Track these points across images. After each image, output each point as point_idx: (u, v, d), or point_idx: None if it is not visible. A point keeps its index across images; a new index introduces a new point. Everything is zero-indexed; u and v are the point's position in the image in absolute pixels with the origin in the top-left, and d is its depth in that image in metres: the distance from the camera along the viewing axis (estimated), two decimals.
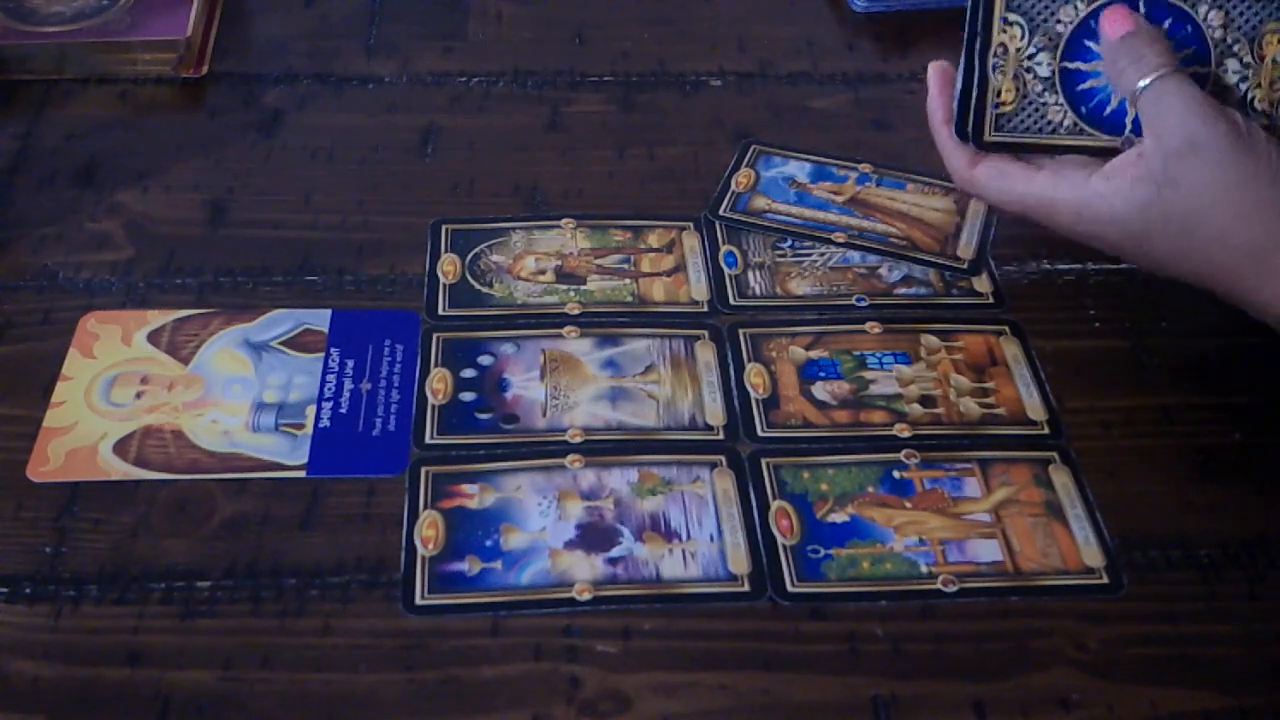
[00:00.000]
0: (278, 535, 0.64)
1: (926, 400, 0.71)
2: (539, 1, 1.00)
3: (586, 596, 0.62)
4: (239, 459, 0.67)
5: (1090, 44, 0.65)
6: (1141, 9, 0.65)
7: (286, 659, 0.60)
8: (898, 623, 0.62)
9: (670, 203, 0.83)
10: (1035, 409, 0.71)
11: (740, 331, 0.75)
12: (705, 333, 0.75)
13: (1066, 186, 0.66)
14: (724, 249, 0.80)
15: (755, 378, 0.72)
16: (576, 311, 0.76)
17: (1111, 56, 0.65)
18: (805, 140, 0.88)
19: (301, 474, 0.67)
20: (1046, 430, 0.70)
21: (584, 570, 0.63)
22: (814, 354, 0.74)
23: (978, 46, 0.65)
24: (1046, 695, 0.59)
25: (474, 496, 0.66)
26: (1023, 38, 0.64)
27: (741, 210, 0.82)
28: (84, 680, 0.59)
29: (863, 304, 0.77)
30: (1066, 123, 0.66)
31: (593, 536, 0.65)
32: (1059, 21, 0.65)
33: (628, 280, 0.78)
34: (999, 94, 0.65)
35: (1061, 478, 0.68)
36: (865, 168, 0.86)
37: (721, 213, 0.82)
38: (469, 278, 0.77)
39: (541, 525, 0.65)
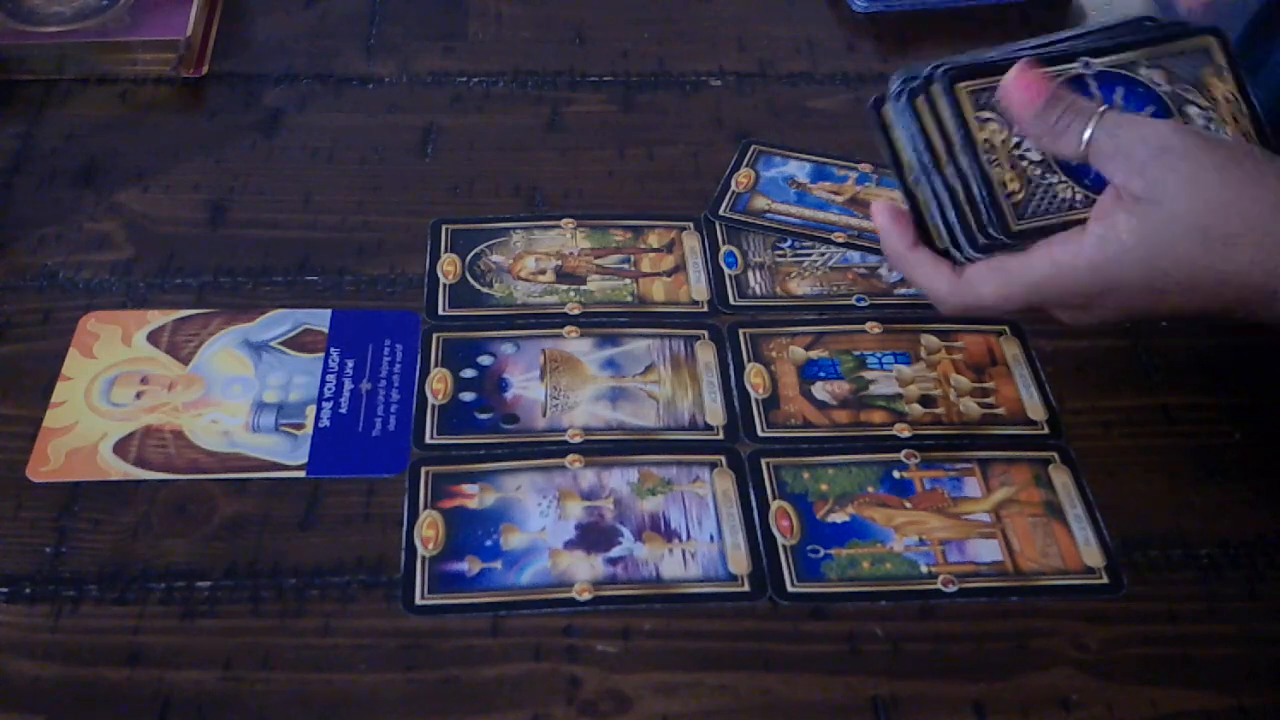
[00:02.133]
0: (278, 535, 0.64)
1: (926, 400, 0.71)
2: (539, 2, 1.00)
3: (586, 596, 0.62)
4: (239, 459, 0.67)
5: None
6: (1093, 87, 0.64)
7: (286, 659, 0.60)
8: (898, 623, 0.62)
9: (670, 203, 0.83)
10: (1035, 409, 0.71)
11: (740, 331, 0.75)
12: (705, 333, 0.75)
13: (1063, 250, 0.61)
14: (724, 249, 0.80)
15: (755, 378, 0.72)
16: (576, 311, 0.76)
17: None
18: (805, 140, 0.88)
19: (301, 474, 0.67)
20: (1046, 430, 0.70)
21: (584, 570, 0.63)
22: (814, 354, 0.74)
23: (960, 147, 0.63)
24: (1046, 695, 0.59)
25: (474, 496, 0.66)
26: (1002, 129, 0.64)
27: (741, 210, 0.82)
28: (84, 680, 0.59)
29: (863, 304, 0.77)
30: (1078, 198, 0.63)
31: (593, 536, 0.65)
32: None
33: (628, 280, 0.78)
34: (1005, 185, 0.63)
35: (1061, 478, 0.68)
36: (865, 168, 0.86)
37: (721, 213, 0.82)
38: (469, 278, 0.77)
39: (541, 525, 0.65)
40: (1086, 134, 0.61)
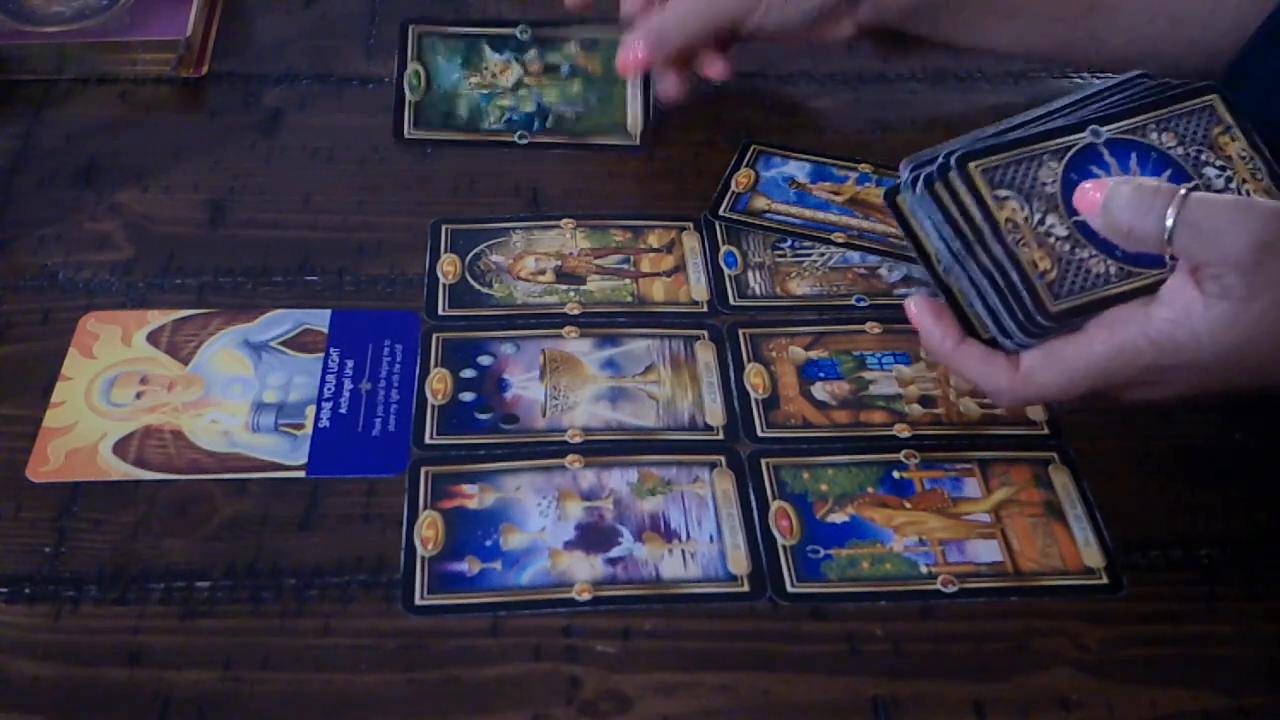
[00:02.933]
0: (278, 535, 0.64)
1: (926, 400, 0.71)
2: (539, 1, 1.00)
3: (586, 596, 0.62)
4: (239, 459, 0.67)
5: None
6: (1106, 156, 0.63)
7: (286, 659, 0.60)
8: (898, 623, 0.62)
9: (670, 203, 0.83)
10: (1035, 409, 0.71)
11: (740, 331, 0.75)
12: (705, 333, 0.75)
13: (1125, 329, 0.59)
14: (724, 249, 0.80)
15: (755, 378, 0.72)
16: (576, 311, 0.76)
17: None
18: (805, 140, 0.88)
19: (301, 474, 0.67)
20: (1046, 430, 0.70)
21: (584, 570, 0.63)
22: (814, 354, 0.74)
23: (987, 233, 0.61)
24: (1046, 695, 0.59)
25: (474, 496, 0.66)
26: (1023, 208, 0.62)
27: (741, 210, 0.82)
28: (84, 680, 0.59)
29: (863, 304, 0.77)
30: (1112, 271, 0.61)
31: (592, 536, 0.65)
32: (1044, 184, 0.62)
33: (627, 280, 0.78)
34: (1036, 265, 0.61)
35: (1061, 478, 0.68)
36: (865, 168, 0.86)
37: (721, 213, 0.82)
38: (469, 278, 0.77)
39: (541, 525, 0.65)
40: (1169, 221, 0.58)
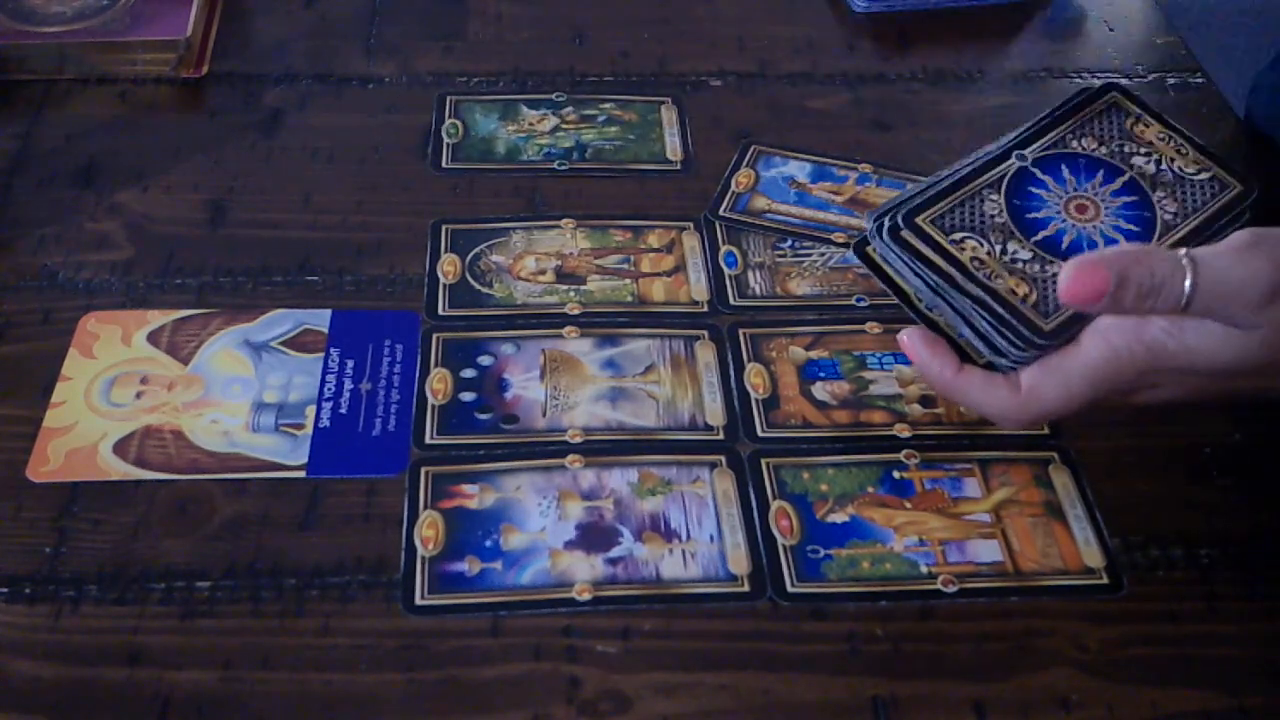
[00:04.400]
0: (278, 535, 0.64)
1: (926, 400, 0.71)
2: (539, 1, 1.00)
3: (586, 596, 0.62)
4: (239, 459, 0.67)
5: (1030, 215, 0.64)
6: (1039, 174, 0.65)
7: (286, 659, 0.60)
8: (898, 623, 0.62)
9: (670, 203, 0.83)
10: None
11: (740, 331, 0.75)
12: (705, 333, 0.75)
13: (1120, 334, 0.59)
14: (724, 249, 0.80)
15: (755, 378, 0.72)
16: (576, 311, 0.76)
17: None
18: (805, 140, 0.88)
19: (301, 474, 0.67)
20: (1046, 430, 0.70)
21: (584, 570, 0.63)
22: (814, 354, 0.74)
23: (959, 276, 0.62)
24: (1046, 695, 0.59)
25: (474, 496, 0.66)
26: (982, 244, 0.63)
27: (741, 210, 0.82)
28: (84, 680, 0.59)
29: (863, 304, 0.77)
30: None
31: (593, 536, 0.65)
32: (992, 216, 0.64)
33: (628, 280, 0.78)
34: (1015, 291, 0.61)
35: (1061, 478, 0.68)
36: (865, 168, 0.86)
37: (721, 213, 0.82)
38: (469, 278, 0.77)
39: (541, 525, 0.65)
40: (1187, 288, 0.57)
